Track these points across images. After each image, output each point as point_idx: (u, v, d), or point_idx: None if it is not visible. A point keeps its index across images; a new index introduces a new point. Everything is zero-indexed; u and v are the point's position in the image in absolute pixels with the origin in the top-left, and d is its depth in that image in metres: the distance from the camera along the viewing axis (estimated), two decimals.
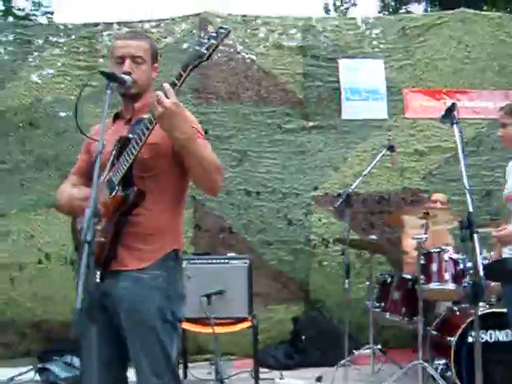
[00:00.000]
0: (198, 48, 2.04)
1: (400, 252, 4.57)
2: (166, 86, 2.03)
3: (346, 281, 4.11)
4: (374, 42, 5.80)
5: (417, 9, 15.93)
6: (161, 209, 2.30)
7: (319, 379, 4.44)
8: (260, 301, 4.91)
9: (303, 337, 4.96)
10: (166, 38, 5.65)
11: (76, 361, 4.30)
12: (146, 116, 2.35)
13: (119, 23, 5.65)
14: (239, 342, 4.81)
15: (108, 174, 2.26)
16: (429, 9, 15.27)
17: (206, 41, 2.04)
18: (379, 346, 4.43)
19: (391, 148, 4.51)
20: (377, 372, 4.48)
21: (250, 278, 4.16)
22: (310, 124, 5.71)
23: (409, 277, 4.41)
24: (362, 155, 5.68)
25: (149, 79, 2.41)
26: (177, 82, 2.06)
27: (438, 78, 5.76)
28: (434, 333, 4.13)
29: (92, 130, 2.56)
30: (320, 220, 5.49)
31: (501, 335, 3.86)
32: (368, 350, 4.44)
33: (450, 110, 2.63)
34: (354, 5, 16.39)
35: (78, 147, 2.60)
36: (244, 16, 5.79)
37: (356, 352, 4.43)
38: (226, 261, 4.21)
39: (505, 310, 3.46)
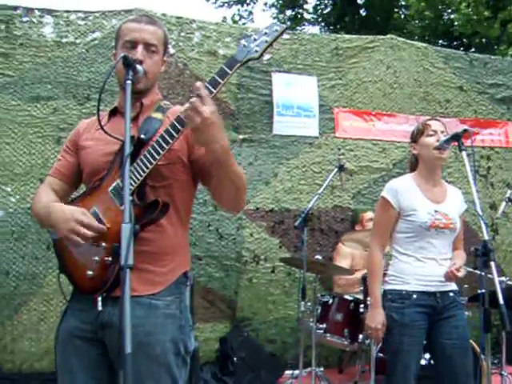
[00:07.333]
0: (248, 45, 1.79)
1: (347, 272, 4.49)
2: (203, 90, 1.69)
3: (302, 303, 3.93)
4: (308, 59, 5.77)
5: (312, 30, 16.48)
6: (172, 224, 1.99)
7: None
8: None
9: (235, 359, 4.72)
10: (94, 32, 5.20)
11: None
12: (157, 115, 2.05)
13: (41, 9, 5.11)
14: None
15: (113, 180, 1.93)
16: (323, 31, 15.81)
17: (257, 37, 1.80)
18: (321, 369, 4.32)
19: (342, 167, 4.45)
20: None
21: None
22: (241, 137, 5.54)
23: (350, 298, 4.37)
24: (292, 171, 5.60)
25: (158, 73, 2.09)
26: (219, 80, 1.78)
27: (367, 100, 5.85)
28: (380, 355, 4.10)
29: (80, 127, 2.20)
30: (252, 235, 5.30)
31: None
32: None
33: (458, 135, 2.56)
34: (252, 21, 16.55)
35: None
36: (179, 18, 5.50)
37: (296, 372, 4.29)
38: None
39: None
